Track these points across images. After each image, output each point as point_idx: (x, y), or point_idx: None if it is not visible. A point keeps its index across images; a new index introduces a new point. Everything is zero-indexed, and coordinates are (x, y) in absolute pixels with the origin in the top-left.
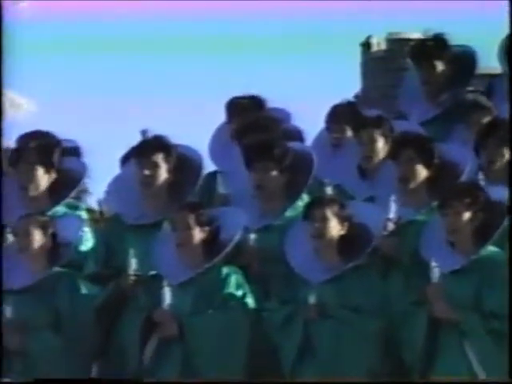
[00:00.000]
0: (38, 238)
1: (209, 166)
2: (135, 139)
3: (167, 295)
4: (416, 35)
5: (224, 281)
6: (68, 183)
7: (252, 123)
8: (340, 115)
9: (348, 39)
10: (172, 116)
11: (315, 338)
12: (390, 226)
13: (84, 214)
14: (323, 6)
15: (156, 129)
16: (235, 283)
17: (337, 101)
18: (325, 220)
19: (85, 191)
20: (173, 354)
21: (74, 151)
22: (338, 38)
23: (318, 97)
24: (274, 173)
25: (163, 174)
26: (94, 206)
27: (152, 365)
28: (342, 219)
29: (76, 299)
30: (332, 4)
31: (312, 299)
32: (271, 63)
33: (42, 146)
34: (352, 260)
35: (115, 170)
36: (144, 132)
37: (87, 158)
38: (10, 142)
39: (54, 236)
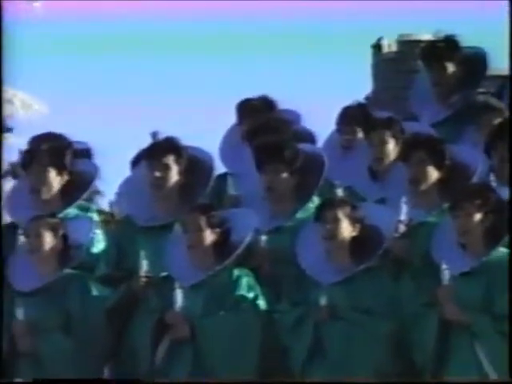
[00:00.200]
0: (48, 239)
1: (219, 168)
2: (146, 141)
3: (179, 297)
4: (427, 37)
5: (235, 283)
6: (80, 185)
7: (263, 125)
8: (351, 117)
9: (358, 41)
10: (182, 117)
11: (326, 339)
12: (401, 228)
13: (95, 216)
14: (334, 7)
15: (167, 130)
16: (246, 285)
17: (347, 102)
18: (336, 221)
19: (96, 193)
20: (184, 355)
21: (86, 153)
22: (349, 39)
23: (328, 98)
24: (285, 174)
25: (174, 176)
26: (105, 207)
27: (164, 367)
28: (354, 221)
29: (87, 301)
30: (342, 5)
31: (323, 301)
32: (282, 64)
33: (54, 148)
34: (363, 262)
35: (126, 171)
36: (154, 134)
37: (98, 160)
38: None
39: (64, 238)
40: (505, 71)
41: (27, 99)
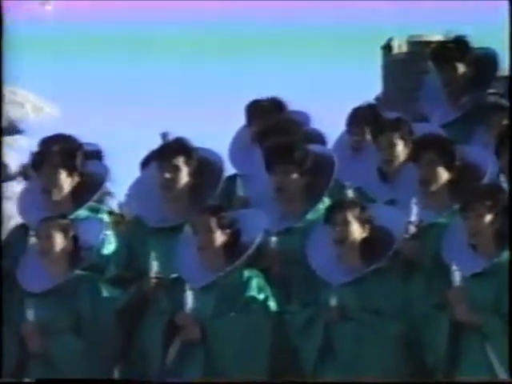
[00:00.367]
0: (59, 241)
1: (229, 170)
2: (156, 142)
3: (189, 298)
4: (437, 37)
5: (245, 284)
6: (90, 187)
7: (273, 126)
8: (361, 118)
9: (368, 42)
10: (192, 119)
11: (336, 340)
12: (412, 229)
13: (106, 217)
14: (343, 9)
15: (176, 132)
16: (256, 286)
17: (357, 103)
18: (346, 224)
19: (106, 194)
20: (195, 357)
21: (96, 155)
22: (359, 40)
23: (338, 99)
24: (295, 175)
25: (184, 177)
26: (116, 208)
27: (174, 368)
28: (364, 222)
29: (97, 302)
30: (352, 5)
31: (333, 302)
32: (291, 66)
33: (64, 150)
34: (374, 263)
35: (136, 172)
36: (164, 135)
37: (109, 162)
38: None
39: (75, 239)
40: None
41: (38, 102)
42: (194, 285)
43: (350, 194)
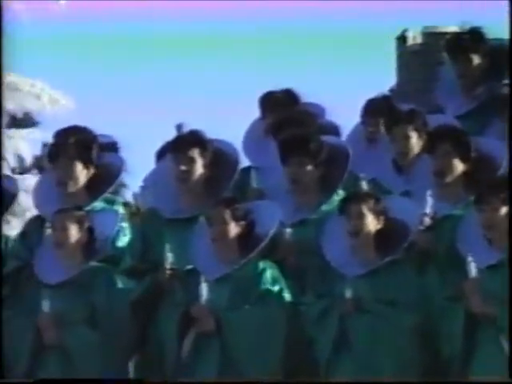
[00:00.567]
0: (74, 232)
1: (243, 161)
2: (171, 134)
3: (204, 290)
4: (452, 29)
5: (260, 276)
6: (106, 179)
7: (287, 118)
8: (375, 109)
9: (383, 33)
10: (207, 110)
11: (351, 332)
12: (426, 221)
13: (121, 209)
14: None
15: (191, 123)
16: (271, 278)
17: (372, 95)
18: (361, 216)
19: (122, 186)
20: (210, 348)
21: (112, 146)
22: (374, 32)
23: (352, 91)
24: (310, 167)
25: (199, 169)
26: (131, 200)
27: (190, 360)
28: (378, 214)
29: (112, 294)
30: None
31: (348, 293)
32: (306, 57)
33: (80, 142)
34: (389, 254)
35: (151, 164)
36: (179, 126)
37: (124, 153)
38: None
39: (90, 231)
40: None
41: (54, 94)
42: (209, 276)
43: (365, 185)
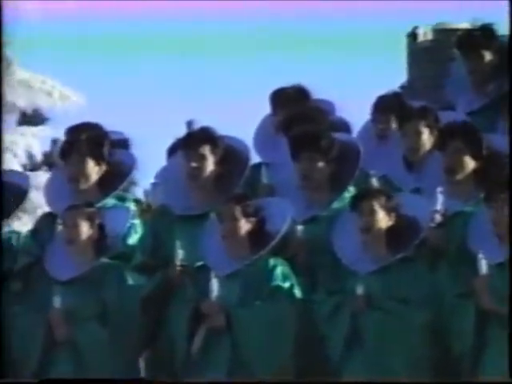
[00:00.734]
0: (85, 229)
1: (253, 158)
2: (182, 130)
3: (214, 286)
4: (463, 25)
5: (271, 272)
6: (117, 176)
7: (298, 114)
8: (385, 106)
9: (393, 30)
10: (217, 107)
11: (362, 328)
12: (437, 218)
13: (132, 206)
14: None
15: (201, 120)
16: (282, 275)
17: (382, 92)
18: (373, 213)
19: (132, 183)
20: (221, 345)
21: (123, 143)
22: (384, 29)
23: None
24: (321, 164)
25: (210, 165)
26: (142, 197)
27: (200, 356)
28: (390, 210)
29: (123, 290)
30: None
31: (359, 290)
32: (317, 55)
33: (92, 139)
34: (400, 251)
35: (161, 161)
36: (190, 123)
37: (135, 150)
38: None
39: (101, 227)
40: None
41: (65, 90)
42: (220, 273)
43: (375, 182)
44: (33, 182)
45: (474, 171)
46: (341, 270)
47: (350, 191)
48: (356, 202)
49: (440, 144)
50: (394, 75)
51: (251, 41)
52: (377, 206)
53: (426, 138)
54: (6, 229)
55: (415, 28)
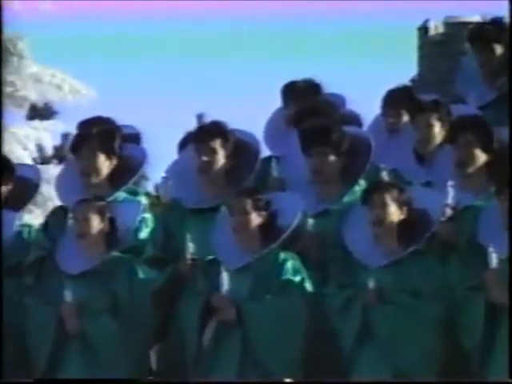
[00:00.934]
0: (95, 223)
1: (264, 152)
2: (193, 124)
3: (225, 280)
4: (474, 19)
5: (281, 266)
6: (128, 170)
7: (309, 108)
8: (396, 100)
9: (404, 24)
10: (227, 101)
11: (374, 322)
12: (448, 211)
13: (143, 199)
14: None
15: (211, 113)
16: (292, 268)
17: (393, 85)
18: (384, 206)
19: (143, 177)
20: (231, 338)
21: (134, 138)
22: (395, 23)
23: (374, 81)
24: (332, 157)
25: (221, 159)
26: (153, 190)
27: (211, 350)
28: (402, 204)
29: (134, 284)
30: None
31: (371, 284)
32: (328, 49)
33: (103, 133)
34: (411, 245)
35: (172, 155)
36: (200, 116)
37: (146, 144)
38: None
39: (112, 221)
40: None
41: (76, 84)
42: (230, 266)
43: (386, 175)
44: (44, 175)
45: (485, 164)
46: (352, 264)
47: (361, 185)
48: (368, 195)
49: (451, 137)
50: (405, 69)
51: (264, 38)
52: (389, 200)
53: (438, 130)
54: (17, 222)
55: (426, 22)
